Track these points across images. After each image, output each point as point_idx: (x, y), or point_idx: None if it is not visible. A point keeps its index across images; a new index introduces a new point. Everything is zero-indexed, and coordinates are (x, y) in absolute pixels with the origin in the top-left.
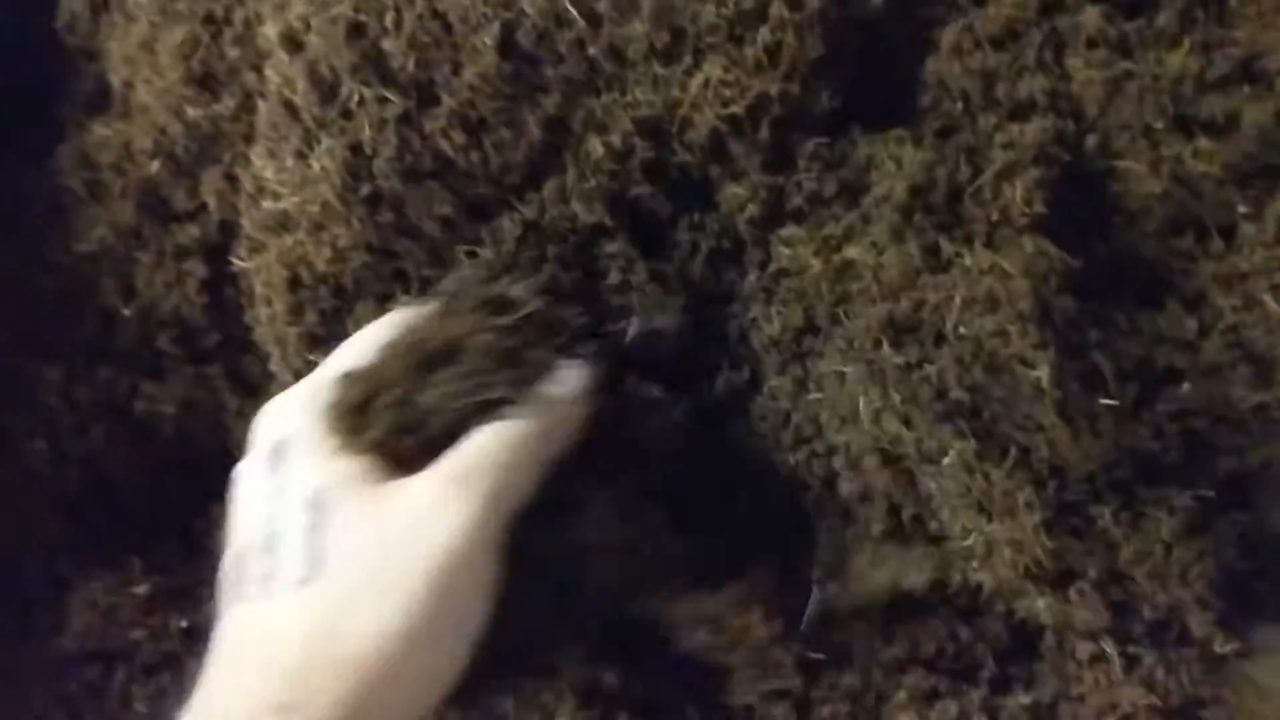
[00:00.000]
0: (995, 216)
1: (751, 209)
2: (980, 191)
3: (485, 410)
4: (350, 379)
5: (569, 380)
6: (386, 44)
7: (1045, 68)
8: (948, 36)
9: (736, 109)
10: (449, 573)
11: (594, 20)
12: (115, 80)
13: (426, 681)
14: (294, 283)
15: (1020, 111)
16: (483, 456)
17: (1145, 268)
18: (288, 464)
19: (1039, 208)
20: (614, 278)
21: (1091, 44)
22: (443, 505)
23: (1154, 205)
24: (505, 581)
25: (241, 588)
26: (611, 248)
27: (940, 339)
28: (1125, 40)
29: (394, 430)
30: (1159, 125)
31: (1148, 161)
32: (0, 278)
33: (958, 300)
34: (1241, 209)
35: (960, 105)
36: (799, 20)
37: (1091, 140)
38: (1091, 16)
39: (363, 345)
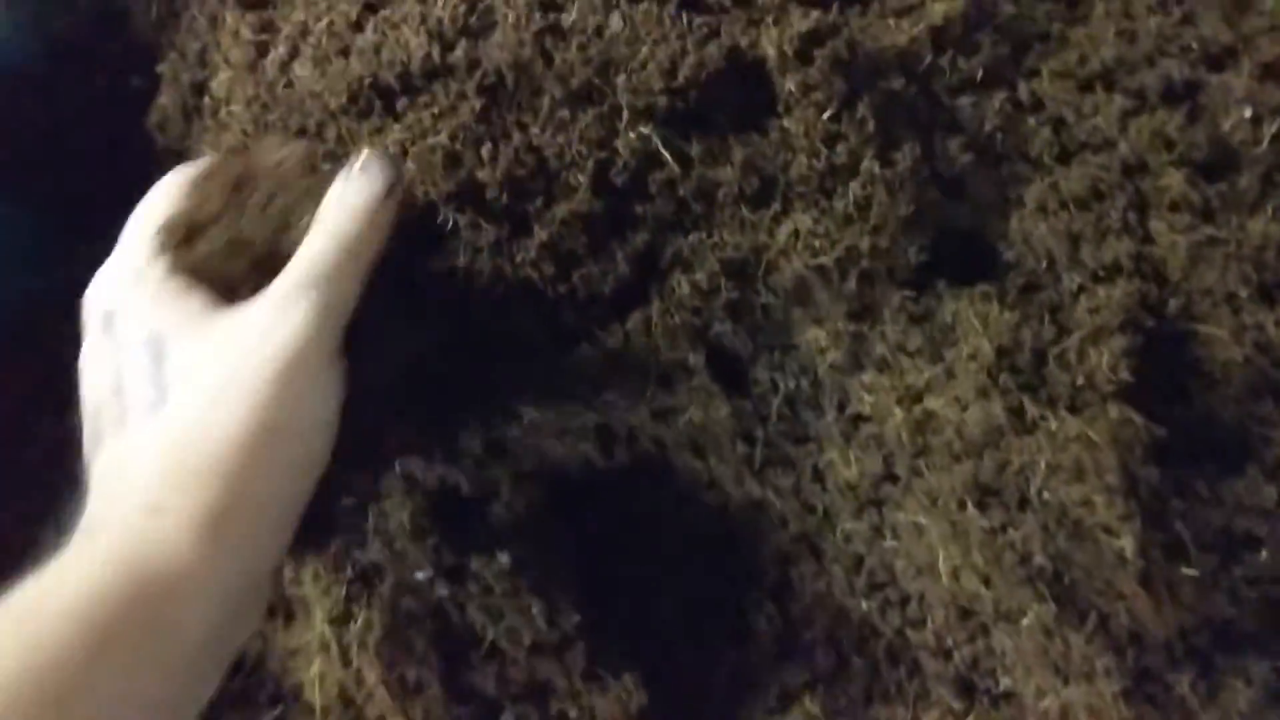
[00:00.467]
0: (1080, 381)
1: (833, 354)
2: (1065, 355)
3: (300, 227)
4: (174, 219)
5: (369, 181)
6: (482, 175)
7: (1129, 230)
8: (1032, 195)
9: (825, 260)
10: (289, 377)
11: (686, 163)
12: None
13: (288, 475)
14: None
15: (1105, 274)
16: (307, 272)
17: (1225, 433)
18: (119, 322)
19: (1125, 375)
20: (694, 414)
21: (1174, 207)
22: (276, 322)
23: (1235, 371)
24: (347, 384)
25: (100, 438)
26: (692, 382)
27: (1024, 503)
28: (1208, 204)
29: (224, 250)
30: (1242, 293)
31: (1230, 328)
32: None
33: (1043, 465)
34: None
35: (1044, 264)
36: (890, 176)
37: (1174, 304)
38: (1175, 180)
39: (162, 197)
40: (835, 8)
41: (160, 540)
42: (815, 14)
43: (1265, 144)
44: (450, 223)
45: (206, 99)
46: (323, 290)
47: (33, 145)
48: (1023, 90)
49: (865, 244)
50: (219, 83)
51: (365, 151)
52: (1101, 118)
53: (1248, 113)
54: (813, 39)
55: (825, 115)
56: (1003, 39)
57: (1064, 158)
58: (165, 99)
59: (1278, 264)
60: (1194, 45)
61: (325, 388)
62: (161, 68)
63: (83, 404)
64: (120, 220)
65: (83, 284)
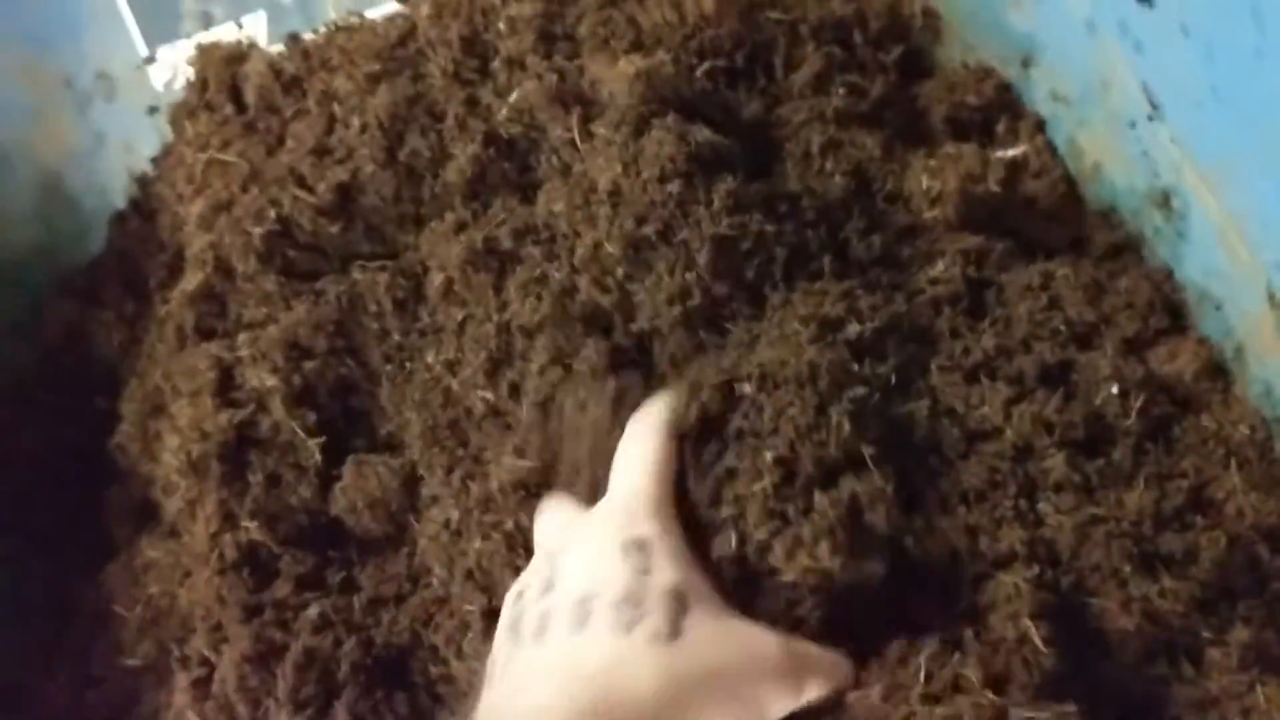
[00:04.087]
0: None
1: None
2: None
3: None
4: None
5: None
6: None
7: (1021, 517)
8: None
9: None
10: None
11: None
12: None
13: None
14: None
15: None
16: None
17: (1126, 697)
18: (651, 557)
19: None
20: None
21: (1059, 488)
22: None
23: (1128, 639)
24: None
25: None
26: None
27: None
28: (1089, 482)
29: None
30: (1125, 567)
31: (1118, 600)
32: (46, 691)
33: None
34: (1206, 635)
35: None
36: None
37: (1066, 581)
38: (1057, 461)
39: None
40: None
41: None
42: None
43: (1133, 417)
44: None
45: (165, 424)
46: None
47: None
48: (924, 387)
49: None
50: (177, 408)
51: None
52: (988, 407)
53: (1115, 389)
54: None
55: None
56: (904, 340)
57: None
58: (126, 424)
59: (1155, 536)
60: (1062, 327)
61: None
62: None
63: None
64: (76, 533)
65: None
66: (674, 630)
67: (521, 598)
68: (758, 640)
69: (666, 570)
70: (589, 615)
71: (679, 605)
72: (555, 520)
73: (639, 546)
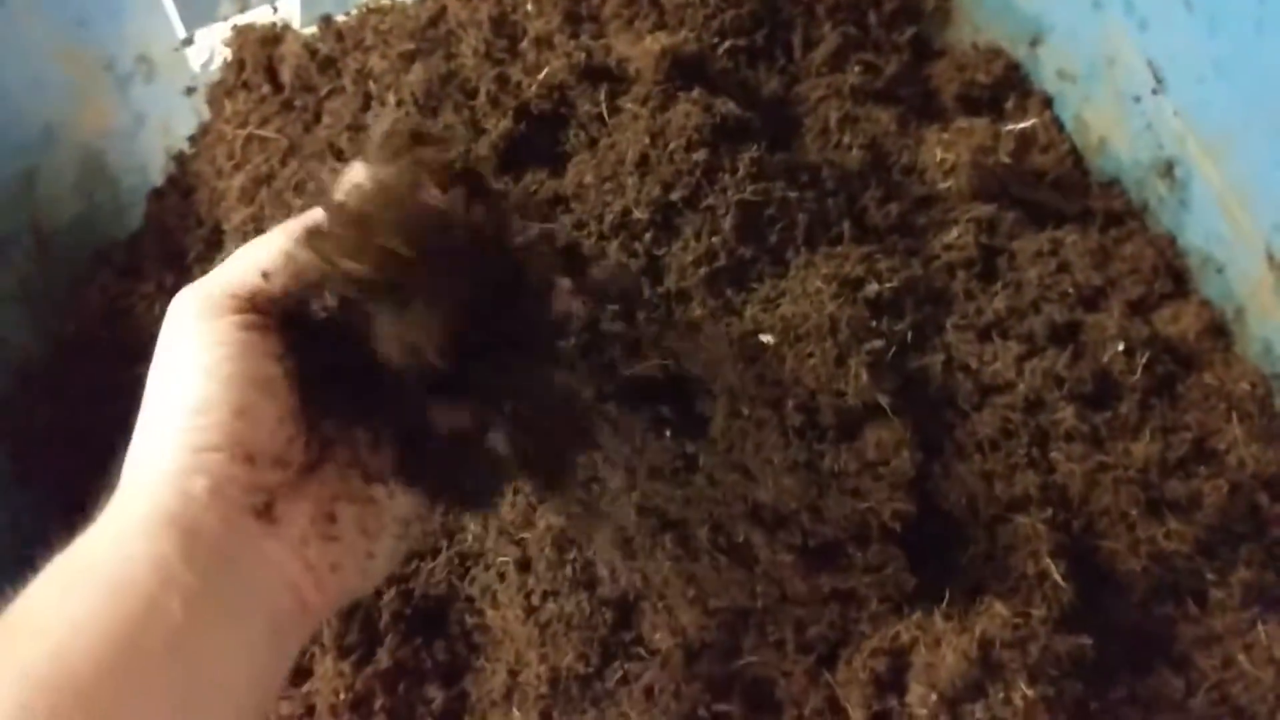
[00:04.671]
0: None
1: None
2: None
3: None
4: None
5: None
6: None
7: (1034, 464)
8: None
9: None
10: None
11: None
12: None
13: None
14: None
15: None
16: None
17: (1135, 634)
18: None
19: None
20: None
21: (1069, 438)
22: None
23: (1136, 580)
24: None
25: None
26: None
27: None
28: (1097, 432)
29: None
30: (1133, 511)
31: (1126, 543)
32: None
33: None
34: (1210, 576)
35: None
36: None
37: (1077, 524)
38: (1067, 413)
39: None
40: None
41: None
42: None
43: (1139, 373)
44: None
45: None
46: None
47: (41, 433)
48: (939, 344)
49: None
50: None
51: None
52: (1000, 362)
53: (1121, 346)
54: None
55: None
56: (920, 301)
57: (979, 405)
58: None
59: (1160, 483)
60: (1070, 290)
61: None
62: None
63: None
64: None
65: None
66: None
67: None
68: None
69: None
70: None
71: None
72: None
73: None
